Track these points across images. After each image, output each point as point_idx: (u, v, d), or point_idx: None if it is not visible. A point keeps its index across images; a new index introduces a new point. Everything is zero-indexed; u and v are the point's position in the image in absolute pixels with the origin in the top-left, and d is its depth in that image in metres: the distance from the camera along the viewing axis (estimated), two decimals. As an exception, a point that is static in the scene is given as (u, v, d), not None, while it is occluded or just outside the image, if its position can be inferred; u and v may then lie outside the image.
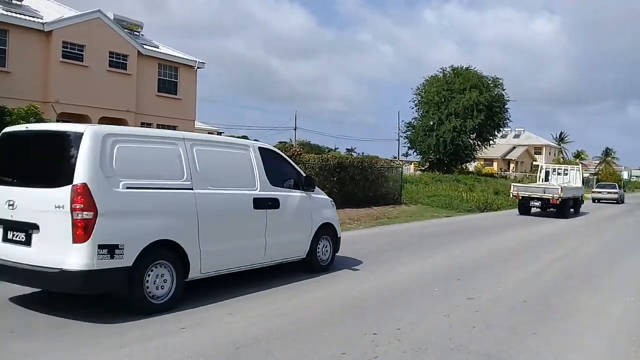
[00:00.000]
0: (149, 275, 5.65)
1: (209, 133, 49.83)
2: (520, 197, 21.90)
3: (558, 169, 27.57)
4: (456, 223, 17.46)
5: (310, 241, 8.10)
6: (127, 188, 5.50)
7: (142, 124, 24.88)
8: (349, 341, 5.13)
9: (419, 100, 44.94)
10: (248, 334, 5.21)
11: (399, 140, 51.97)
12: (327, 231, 8.48)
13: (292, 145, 47.68)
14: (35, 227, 5.37)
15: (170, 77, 26.33)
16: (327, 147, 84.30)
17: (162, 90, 25.90)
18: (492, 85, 43.88)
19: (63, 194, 5.19)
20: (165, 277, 5.82)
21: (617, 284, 8.60)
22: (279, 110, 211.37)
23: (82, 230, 5.13)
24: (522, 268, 9.59)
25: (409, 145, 45.83)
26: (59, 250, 5.20)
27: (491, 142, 46.19)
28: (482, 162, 59.05)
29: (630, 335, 5.82)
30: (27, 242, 5.43)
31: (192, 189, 6.19)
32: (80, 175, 5.20)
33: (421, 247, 11.78)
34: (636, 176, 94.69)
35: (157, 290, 5.74)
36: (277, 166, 7.80)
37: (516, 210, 22.66)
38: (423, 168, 46.17)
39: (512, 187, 23.22)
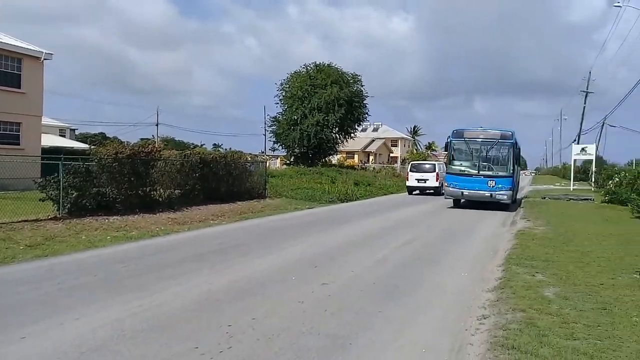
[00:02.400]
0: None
1: (59, 130, 46.18)
2: None
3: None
4: (318, 214, 18.06)
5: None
6: None
7: (-22, 120, 22.43)
8: (202, 335, 5.15)
9: (283, 95, 45.56)
10: (96, 337, 5.01)
11: (265, 134, 52.26)
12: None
13: (154, 142, 45.82)
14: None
15: (13, 69, 23.93)
16: (193, 144, 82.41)
17: (3, 84, 23.46)
18: (351, 81, 45.78)
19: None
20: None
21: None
22: (139, 104, 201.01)
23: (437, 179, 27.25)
24: (374, 252, 10.23)
25: (274, 139, 46.32)
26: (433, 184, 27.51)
27: (352, 135, 48.22)
28: (344, 155, 61.49)
29: (463, 307, 6.50)
30: (425, 182, 28.51)
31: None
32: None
33: (282, 238, 12.04)
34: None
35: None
36: None
37: (372, 200, 24.65)
38: (289, 162, 46.98)
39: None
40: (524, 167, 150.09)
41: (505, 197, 19.82)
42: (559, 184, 49.54)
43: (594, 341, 4.93)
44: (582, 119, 57.43)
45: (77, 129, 58.91)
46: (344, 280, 7.71)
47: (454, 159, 20.89)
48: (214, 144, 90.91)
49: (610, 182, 24.67)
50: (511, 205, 20.94)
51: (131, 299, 6.43)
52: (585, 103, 56.97)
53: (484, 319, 5.84)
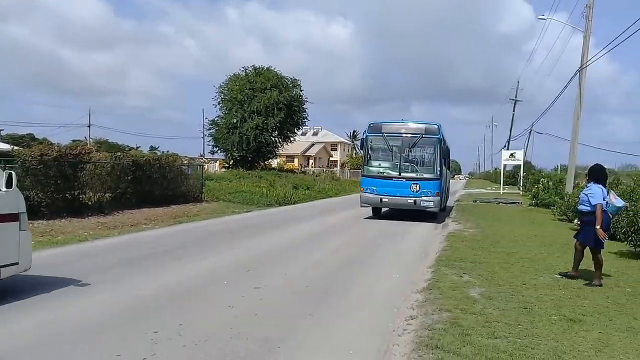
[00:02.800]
0: None
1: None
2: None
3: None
4: (255, 218, 17.93)
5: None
6: None
7: None
8: (126, 343, 4.98)
9: (222, 98, 44.99)
10: (10, 347, 4.74)
11: (204, 138, 51.36)
12: None
13: (85, 144, 44.14)
14: None
15: None
16: (128, 146, 79.81)
17: None
18: (291, 85, 45.81)
19: None
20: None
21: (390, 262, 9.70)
22: (72, 105, 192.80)
23: None
24: (308, 256, 10.27)
25: (213, 143, 45.68)
26: None
27: (292, 139, 48.26)
28: (284, 159, 61.46)
29: (392, 308, 6.61)
30: None
31: None
32: None
33: (217, 242, 11.86)
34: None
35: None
36: None
37: (310, 203, 24.91)
38: (228, 165, 46.46)
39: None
40: (458, 171, 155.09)
41: (431, 204, 16.85)
42: (490, 187, 51.48)
43: (514, 339, 5.11)
44: (512, 125, 59.96)
45: (2, 130, 56.00)
46: (276, 284, 7.68)
47: (371, 159, 17.90)
48: (151, 147, 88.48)
49: (537, 186, 25.87)
50: (439, 214, 18.41)
51: (53, 307, 6.14)
52: (514, 111, 59.53)
53: (412, 319, 5.96)
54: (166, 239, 12.24)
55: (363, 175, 17.93)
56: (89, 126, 63.94)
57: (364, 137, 17.94)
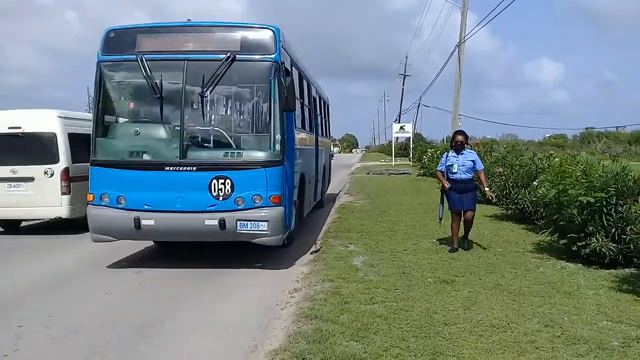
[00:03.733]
0: None
1: None
2: None
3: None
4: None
5: None
6: None
7: None
8: (-17, 340, 4.59)
9: (106, 75, 42.40)
10: None
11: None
12: None
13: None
14: None
15: None
16: (5, 128, 73.16)
17: None
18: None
19: None
20: None
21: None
22: None
23: None
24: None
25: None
26: None
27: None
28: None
29: (278, 283, 6.59)
30: None
31: None
32: None
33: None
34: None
35: None
36: None
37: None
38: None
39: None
40: (355, 145, 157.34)
41: (263, 226, 6.86)
42: (383, 160, 53.21)
43: (390, 303, 5.27)
44: (402, 99, 62.54)
45: None
46: (162, 267, 7.42)
47: (112, 121, 7.72)
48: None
49: (425, 157, 27.08)
50: (299, 239, 8.98)
51: None
52: (403, 85, 62.02)
53: (295, 292, 6.00)
54: (42, 224, 11.42)
55: (94, 163, 7.19)
56: (-44, 107, 57.76)
57: (97, 64, 7.37)
